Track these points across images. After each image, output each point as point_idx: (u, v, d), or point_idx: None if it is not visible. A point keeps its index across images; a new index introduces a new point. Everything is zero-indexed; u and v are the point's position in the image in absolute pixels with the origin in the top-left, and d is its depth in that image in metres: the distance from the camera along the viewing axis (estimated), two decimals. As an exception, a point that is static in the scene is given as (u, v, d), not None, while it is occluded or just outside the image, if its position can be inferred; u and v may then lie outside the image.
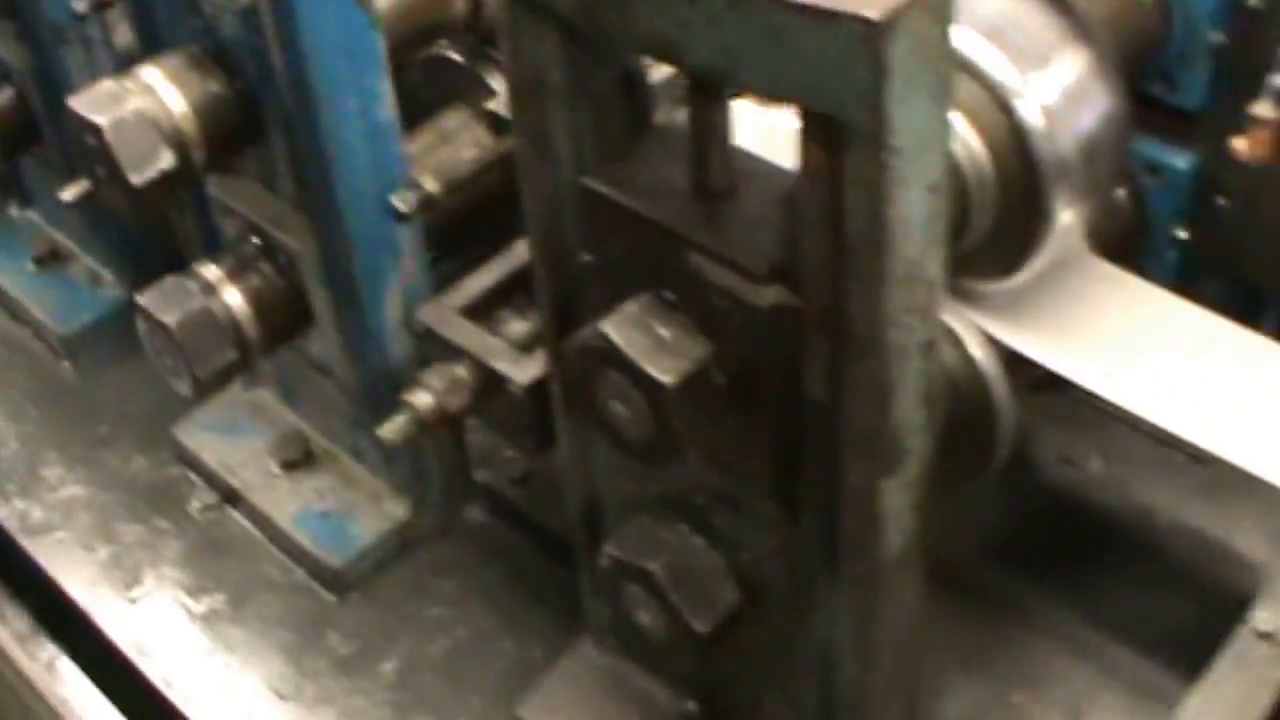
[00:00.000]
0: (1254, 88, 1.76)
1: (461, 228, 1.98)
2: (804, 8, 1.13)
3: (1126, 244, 2.01)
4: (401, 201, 1.67)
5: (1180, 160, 1.91)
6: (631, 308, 1.41)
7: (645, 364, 1.38)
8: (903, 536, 1.48)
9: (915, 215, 1.24)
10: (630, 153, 1.47)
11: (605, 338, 1.39)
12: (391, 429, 1.79)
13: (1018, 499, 2.23)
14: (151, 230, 2.41)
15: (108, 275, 2.58)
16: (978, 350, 1.73)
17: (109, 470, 2.36)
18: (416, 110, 2.01)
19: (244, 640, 2.10)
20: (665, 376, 1.37)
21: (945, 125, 1.23)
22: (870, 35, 1.11)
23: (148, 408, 2.42)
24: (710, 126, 1.37)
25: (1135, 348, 1.73)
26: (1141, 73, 1.89)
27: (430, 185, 1.68)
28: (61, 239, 2.64)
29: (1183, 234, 1.97)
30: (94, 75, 2.16)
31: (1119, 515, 2.19)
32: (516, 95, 1.46)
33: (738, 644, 1.65)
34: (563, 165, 1.47)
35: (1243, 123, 1.79)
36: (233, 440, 2.28)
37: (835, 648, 1.57)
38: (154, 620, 2.14)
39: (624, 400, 1.42)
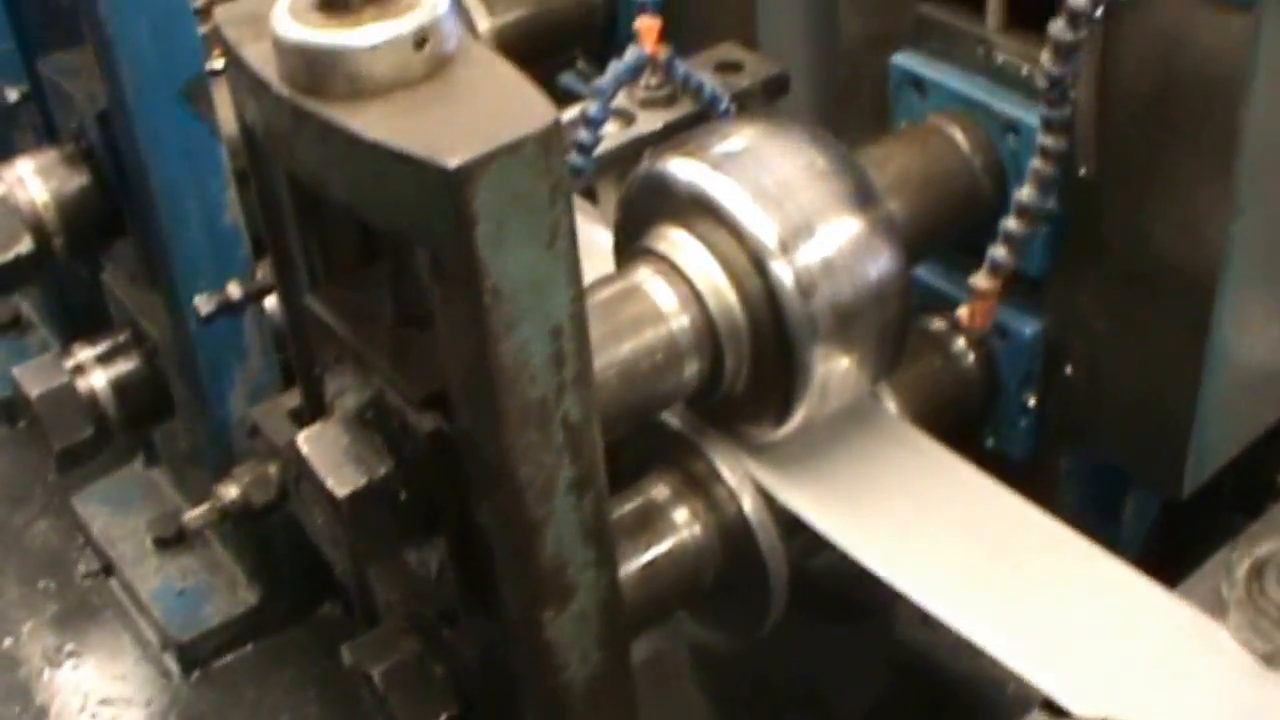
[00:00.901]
0: (1096, 256, 1.79)
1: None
2: (397, 153, 1.20)
3: (976, 409, 2.01)
4: (202, 303, 1.78)
5: (1026, 326, 1.90)
6: (330, 422, 1.48)
7: (325, 475, 1.44)
8: (588, 668, 1.51)
9: (535, 356, 1.29)
10: (357, 277, 1.54)
11: (297, 448, 1.46)
12: (194, 516, 1.88)
13: (876, 658, 2.22)
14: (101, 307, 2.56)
15: (57, 345, 2.73)
16: (749, 502, 1.75)
17: (11, 530, 2.51)
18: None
19: (85, 703, 2.21)
20: (340, 489, 1.43)
21: (565, 269, 1.27)
22: (450, 182, 1.18)
23: (67, 475, 2.55)
24: (400, 258, 1.43)
25: (903, 516, 1.72)
26: (985, 235, 1.90)
27: (234, 291, 1.78)
28: (26, 308, 2.82)
29: (1033, 402, 1.97)
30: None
31: (970, 680, 2.17)
32: (263, 214, 1.55)
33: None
34: (301, 281, 1.56)
35: (1089, 290, 1.81)
36: (120, 514, 2.41)
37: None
38: (14, 673, 2.26)
39: (319, 508, 1.49)
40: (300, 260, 1.54)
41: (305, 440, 1.46)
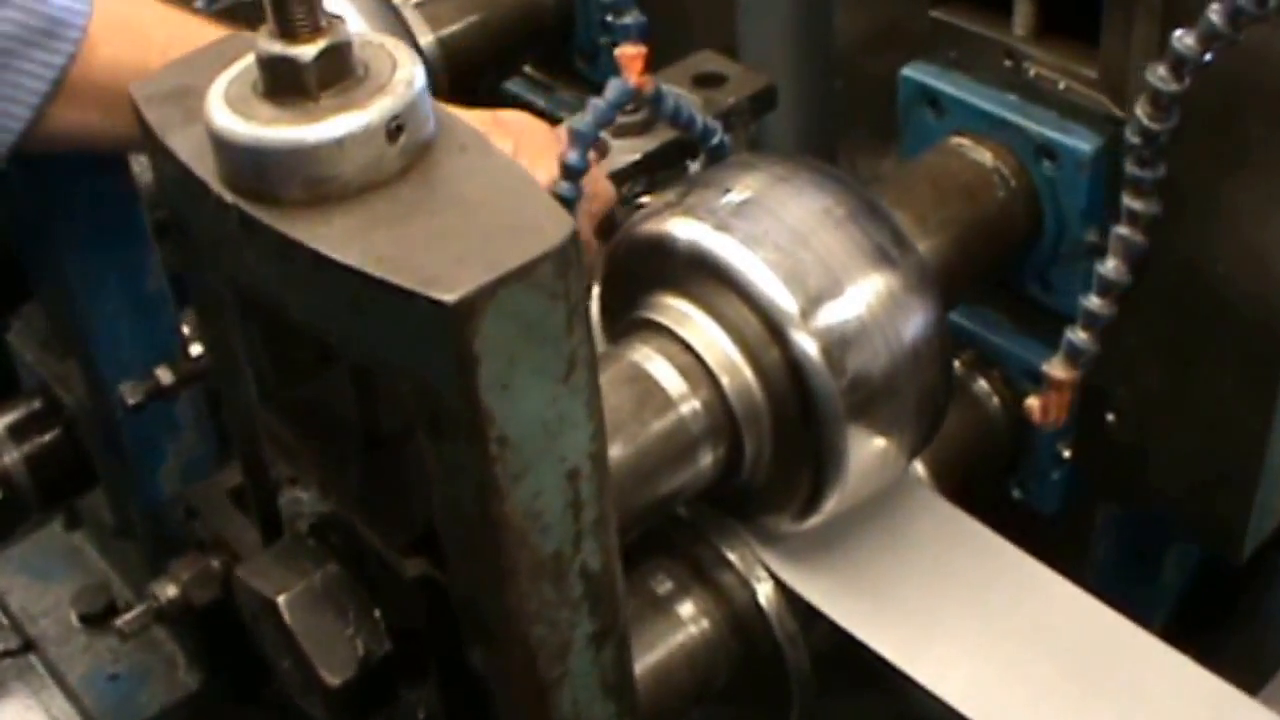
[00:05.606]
0: (1146, 292, 1.57)
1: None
2: (380, 282, 0.97)
3: (1003, 460, 1.82)
4: (130, 394, 1.53)
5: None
6: (314, 580, 1.25)
7: (315, 659, 1.22)
8: (605, 827, 1.30)
9: (549, 507, 1.07)
10: (316, 381, 1.31)
11: (279, 612, 1.23)
12: (129, 620, 1.64)
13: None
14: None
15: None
16: (763, 591, 1.55)
17: (-75, 603, 2.24)
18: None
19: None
20: (332, 677, 1.22)
21: (584, 403, 1.05)
22: (448, 319, 0.95)
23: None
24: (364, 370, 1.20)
25: (938, 608, 1.52)
26: (1017, 271, 1.70)
27: (164, 377, 1.54)
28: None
29: (1068, 453, 1.77)
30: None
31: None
32: (199, 307, 1.32)
33: None
34: (248, 383, 1.32)
35: (1136, 331, 1.61)
36: (41, 585, 2.17)
37: None
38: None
39: (289, 663, 1.27)
40: (247, 365, 1.30)
41: (288, 606, 1.23)
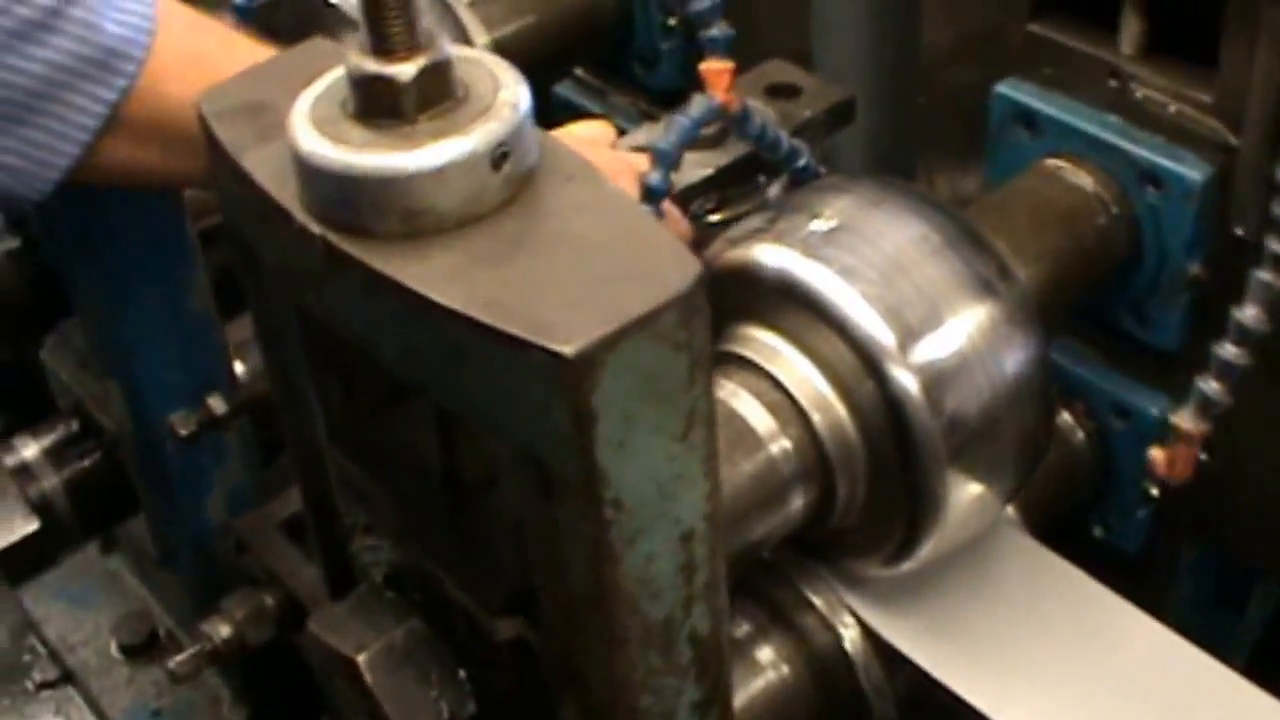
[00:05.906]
0: None
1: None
2: (487, 328, 0.88)
3: (1086, 497, 1.73)
4: (182, 425, 1.45)
5: (1152, 405, 1.62)
6: (396, 639, 1.17)
7: None
8: None
9: (662, 571, 0.98)
10: (391, 416, 1.22)
11: (359, 671, 1.15)
12: (180, 663, 1.55)
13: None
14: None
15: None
16: (847, 635, 1.47)
17: (-48, 629, 2.15)
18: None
19: None
20: None
21: (701, 460, 0.96)
22: (565, 373, 0.86)
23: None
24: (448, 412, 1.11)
25: (1033, 656, 1.44)
26: (1109, 302, 1.61)
27: (216, 406, 1.45)
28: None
29: (1155, 491, 1.68)
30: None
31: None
32: (264, 338, 1.22)
33: None
34: (316, 421, 1.23)
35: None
36: (78, 613, 2.08)
37: None
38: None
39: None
40: (314, 402, 1.21)
41: (369, 666, 1.14)
